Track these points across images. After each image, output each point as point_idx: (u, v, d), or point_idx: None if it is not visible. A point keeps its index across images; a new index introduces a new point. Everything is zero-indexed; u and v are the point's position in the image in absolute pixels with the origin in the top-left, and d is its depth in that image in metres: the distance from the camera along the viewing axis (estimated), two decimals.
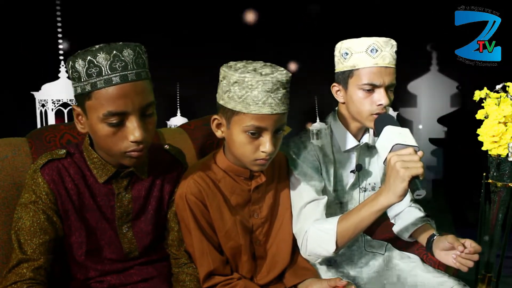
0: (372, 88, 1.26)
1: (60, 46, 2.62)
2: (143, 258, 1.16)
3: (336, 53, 1.34)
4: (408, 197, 1.47)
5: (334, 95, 1.37)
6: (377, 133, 1.15)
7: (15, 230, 1.02)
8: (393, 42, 1.27)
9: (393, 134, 1.08)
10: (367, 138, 1.38)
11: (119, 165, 1.07)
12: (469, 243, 1.19)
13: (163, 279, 1.18)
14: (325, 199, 1.27)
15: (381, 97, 1.25)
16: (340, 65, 1.32)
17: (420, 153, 1.04)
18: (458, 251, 1.19)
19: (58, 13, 2.64)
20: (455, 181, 3.83)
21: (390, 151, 1.06)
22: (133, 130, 0.97)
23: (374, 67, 1.25)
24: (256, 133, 1.08)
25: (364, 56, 1.26)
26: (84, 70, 0.94)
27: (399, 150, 1.05)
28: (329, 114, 1.42)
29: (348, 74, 1.30)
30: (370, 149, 1.42)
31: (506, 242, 1.13)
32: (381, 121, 1.15)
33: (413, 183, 1.01)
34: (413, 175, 1.01)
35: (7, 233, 1.08)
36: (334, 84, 1.36)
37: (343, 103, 1.35)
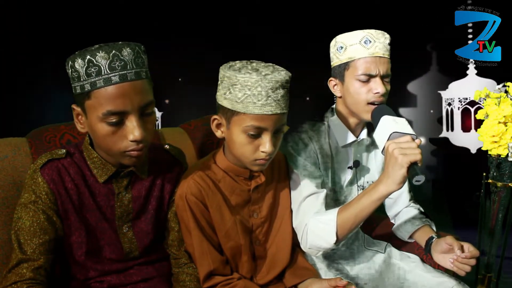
0: (368, 78, 1.27)
1: None
2: (143, 258, 1.16)
3: (331, 48, 1.36)
4: (408, 196, 1.47)
5: (332, 90, 1.38)
6: (374, 124, 1.15)
7: (15, 230, 1.02)
8: (386, 35, 1.29)
9: (390, 123, 1.08)
10: (364, 134, 1.38)
11: (119, 164, 1.07)
12: (467, 247, 1.19)
13: (163, 279, 1.18)
14: (324, 192, 1.27)
15: (377, 85, 1.26)
16: (336, 59, 1.33)
17: (418, 140, 1.04)
18: (456, 253, 1.19)
19: None
20: (455, 181, 3.84)
21: (388, 140, 1.06)
22: (133, 130, 0.97)
23: (369, 57, 1.27)
24: (256, 134, 1.08)
25: (359, 48, 1.27)
26: (84, 69, 0.94)
27: (397, 138, 1.05)
28: (327, 111, 1.42)
29: (344, 67, 1.31)
30: (367, 147, 1.42)
31: (506, 242, 1.13)
32: (378, 112, 1.16)
33: (412, 169, 1.01)
34: (411, 161, 1.00)
35: (7, 233, 1.08)
36: (331, 78, 1.37)
37: (340, 97, 1.35)
